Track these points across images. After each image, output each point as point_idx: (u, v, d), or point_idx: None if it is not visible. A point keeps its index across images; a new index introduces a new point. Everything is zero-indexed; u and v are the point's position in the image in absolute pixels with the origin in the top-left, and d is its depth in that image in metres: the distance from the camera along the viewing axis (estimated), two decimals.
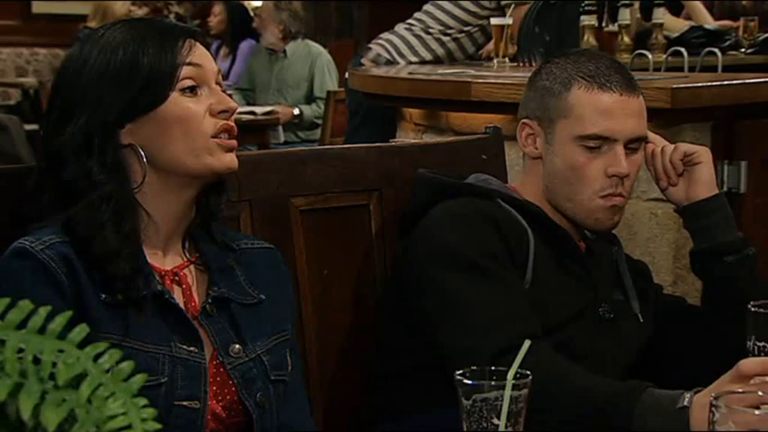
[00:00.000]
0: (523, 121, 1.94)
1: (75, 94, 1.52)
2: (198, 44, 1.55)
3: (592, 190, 1.86)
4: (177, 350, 1.49)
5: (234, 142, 1.55)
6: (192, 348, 1.51)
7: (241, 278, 1.61)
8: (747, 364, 1.47)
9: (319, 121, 6.03)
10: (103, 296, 1.45)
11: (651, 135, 1.98)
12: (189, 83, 1.52)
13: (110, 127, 1.51)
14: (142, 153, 1.51)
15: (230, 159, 1.54)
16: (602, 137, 1.85)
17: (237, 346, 1.55)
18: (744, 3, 6.12)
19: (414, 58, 4.19)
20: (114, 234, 1.47)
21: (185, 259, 1.59)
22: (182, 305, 1.54)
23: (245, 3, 8.81)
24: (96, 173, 1.49)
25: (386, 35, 4.31)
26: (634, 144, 1.88)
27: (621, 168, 1.85)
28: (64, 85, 1.55)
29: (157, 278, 1.52)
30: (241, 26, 7.19)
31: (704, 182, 1.93)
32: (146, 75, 1.50)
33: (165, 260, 1.57)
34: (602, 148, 1.85)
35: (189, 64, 1.52)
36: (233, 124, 1.55)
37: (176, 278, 1.57)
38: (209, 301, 1.56)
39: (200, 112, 1.52)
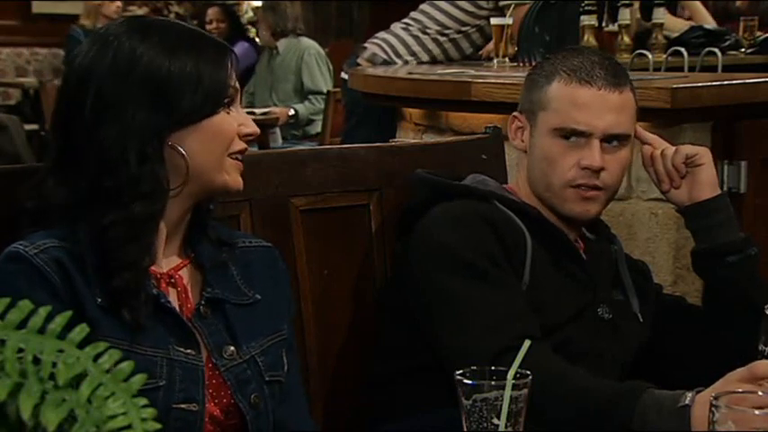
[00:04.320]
0: (514, 114, 1.97)
1: (123, 91, 1.47)
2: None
3: (564, 180, 1.87)
4: (175, 353, 1.49)
5: (242, 165, 1.58)
6: (189, 351, 1.50)
7: (236, 278, 1.61)
8: (763, 366, 1.47)
9: (315, 118, 6.06)
10: (99, 300, 1.44)
11: (650, 136, 1.98)
12: (230, 99, 1.54)
13: (165, 133, 1.48)
14: (185, 154, 1.49)
15: (241, 181, 1.57)
16: (577, 130, 1.86)
17: (231, 347, 1.55)
18: (738, 4, 6.12)
19: (410, 58, 4.19)
20: (138, 247, 1.46)
21: (181, 260, 1.59)
22: (177, 307, 1.54)
23: (246, 3, 8.84)
24: (144, 182, 1.46)
25: (382, 35, 4.30)
26: (614, 140, 1.88)
27: (594, 161, 1.85)
28: (103, 79, 1.48)
29: (153, 282, 1.51)
30: (236, 29, 7.22)
31: (707, 183, 1.93)
32: (206, 86, 1.50)
33: (161, 263, 1.56)
34: (578, 141, 1.86)
35: (233, 80, 1.54)
36: (247, 146, 1.58)
37: (171, 280, 1.56)
38: (203, 302, 1.56)
39: (234, 130, 1.54)
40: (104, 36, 1.52)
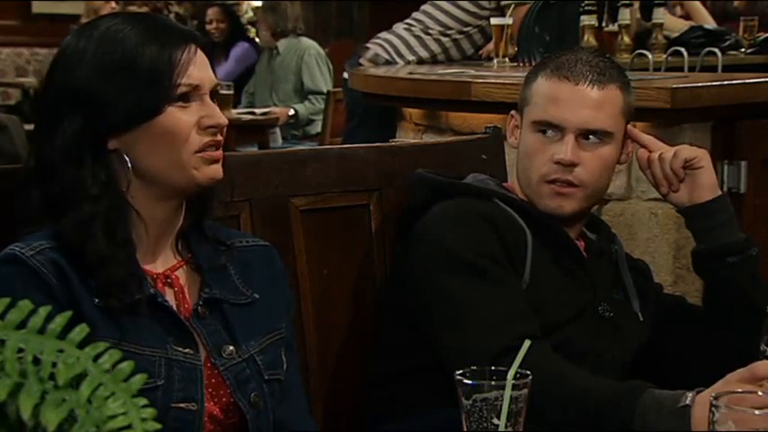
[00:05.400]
0: (511, 112, 1.98)
1: (69, 91, 1.47)
2: (198, 51, 1.50)
3: (540, 175, 1.88)
4: (173, 352, 1.48)
5: (219, 153, 1.51)
6: (187, 350, 1.49)
7: (235, 277, 1.60)
8: (763, 366, 1.47)
9: (315, 118, 6.06)
10: (97, 301, 1.44)
11: (645, 138, 1.97)
12: (184, 89, 1.48)
13: (103, 137, 1.47)
14: (127, 160, 1.48)
15: (214, 170, 1.51)
16: (551, 123, 1.87)
17: (230, 347, 1.54)
18: (735, 4, 6.11)
19: (412, 58, 4.19)
20: (106, 242, 1.45)
21: (177, 260, 1.58)
22: (174, 307, 1.53)
23: (246, 3, 8.83)
24: (89, 186, 1.46)
25: (384, 35, 4.31)
26: (592, 136, 1.88)
27: (564, 155, 1.85)
28: (56, 80, 1.50)
29: (149, 281, 1.50)
30: (236, 29, 7.22)
31: (707, 185, 1.92)
32: (144, 76, 1.46)
33: (156, 263, 1.55)
34: (555, 135, 1.87)
35: (187, 72, 1.48)
36: (220, 138, 1.51)
37: (168, 281, 1.55)
38: (201, 303, 1.55)
39: (189, 125, 1.48)
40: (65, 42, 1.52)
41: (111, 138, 1.48)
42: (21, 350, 0.84)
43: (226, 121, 1.52)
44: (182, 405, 1.47)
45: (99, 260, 1.44)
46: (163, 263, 1.56)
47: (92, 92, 1.46)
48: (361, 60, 4.25)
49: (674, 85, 2.56)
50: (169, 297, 1.53)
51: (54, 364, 0.83)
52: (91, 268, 1.45)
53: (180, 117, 1.48)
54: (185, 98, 1.48)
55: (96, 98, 1.46)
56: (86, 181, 1.46)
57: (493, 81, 2.94)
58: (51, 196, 1.47)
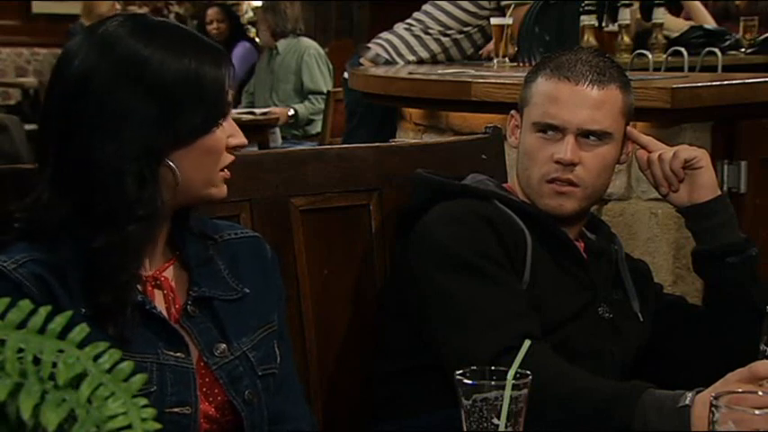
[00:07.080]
0: (511, 112, 1.98)
1: (126, 102, 1.42)
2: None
3: (540, 174, 1.88)
4: (164, 357, 1.46)
5: (229, 174, 1.54)
6: (178, 354, 1.48)
7: (224, 272, 1.58)
8: (763, 366, 1.47)
9: (315, 117, 6.07)
10: (83, 310, 1.40)
11: (644, 139, 1.97)
12: (225, 114, 1.50)
13: (165, 153, 1.44)
14: (179, 175, 1.46)
15: (225, 190, 1.55)
16: (551, 124, 1.87)
17: (222, 345, 1.53)
18: (737, 3, 6.11)
19: (412, 58, 4.20)
20: (129, 268, 1.43)
21: (166, 260, 1.56)
22: (164, 310, 1.51)
23: (246, 3, 8.84)
24: (146, 202, 1.42)
25: (385, 35, 4.32)
26: (592, 136, 1.88)
27: (564, 155, 1.85)
28: (104, 87, 1.42)
29: (138, 287, 1.48)
30: (236, 29, 7.22)
31: (707, 185, 1.92)
32: (208, 102, 1.46)
33: (146, 265, 1.52)
34: (555, 135, 1.87)
35: (230, 94, 1.50)
36: (235, 158, 1.55)
37: (157, 282, 1.53)
38: (190, 302, 1.53)
39: (224, 144, 1.51)
40: (105, 37, 1.45)
41: (171, 152, 1.45)
42: (21, 350, 0.84)
43: (246, 141, 1.55)
44: (176, 410, 1.46)
45: (115, 285, 1.42)
46: (152, 265, 1.54)
47: (159, 105, 1.43)
48: (362, 60, 4.25)
49: (674, 85, 2.56)
50: (158, 299, 1.52)
51: (54, 364, 0.83)
52: (97, 288, 1.41)
53: (220, 135, 1.50)
54: (224, 118, 1.50)
55: (165, 114, 1.43)
56: (144, 198, 1.42)
57: (493, 81, 2.94)
58: (91, 210, 1.42)
